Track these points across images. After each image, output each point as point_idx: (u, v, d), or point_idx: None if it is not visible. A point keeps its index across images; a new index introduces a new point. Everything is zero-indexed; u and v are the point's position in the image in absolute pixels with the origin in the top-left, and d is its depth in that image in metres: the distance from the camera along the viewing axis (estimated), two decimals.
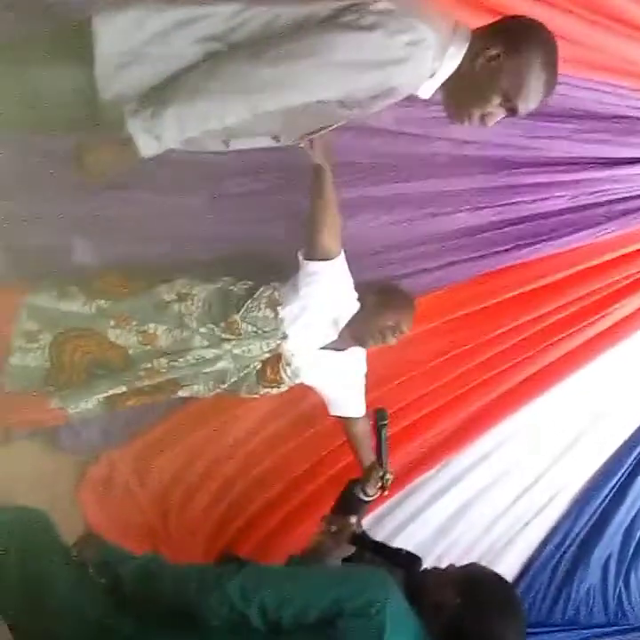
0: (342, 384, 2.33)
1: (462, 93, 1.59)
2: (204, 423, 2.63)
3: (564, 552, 3.12)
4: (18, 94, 1.48)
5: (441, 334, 2.57)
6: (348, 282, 2.20)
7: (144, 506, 2.72)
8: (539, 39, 1.56)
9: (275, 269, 2.18)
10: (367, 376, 2.37)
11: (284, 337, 2.14)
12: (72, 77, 1.47)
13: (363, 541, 2.06)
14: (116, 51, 1.44)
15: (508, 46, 1.53)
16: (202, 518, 2.77)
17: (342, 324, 2.20)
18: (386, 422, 2.22)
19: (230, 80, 1.43)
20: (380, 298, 2.23)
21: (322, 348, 2.24)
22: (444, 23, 1.53)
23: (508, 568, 3.03)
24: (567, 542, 3.10)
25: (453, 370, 2.62)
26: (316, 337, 2.21)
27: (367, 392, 2.37)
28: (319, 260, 2.10)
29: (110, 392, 2.06)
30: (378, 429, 2.22)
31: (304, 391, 2.38)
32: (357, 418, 2.36)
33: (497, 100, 1.57)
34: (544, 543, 3.10)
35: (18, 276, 2.18)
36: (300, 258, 2.12)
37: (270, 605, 1.38)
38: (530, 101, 1.58)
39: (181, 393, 2.17)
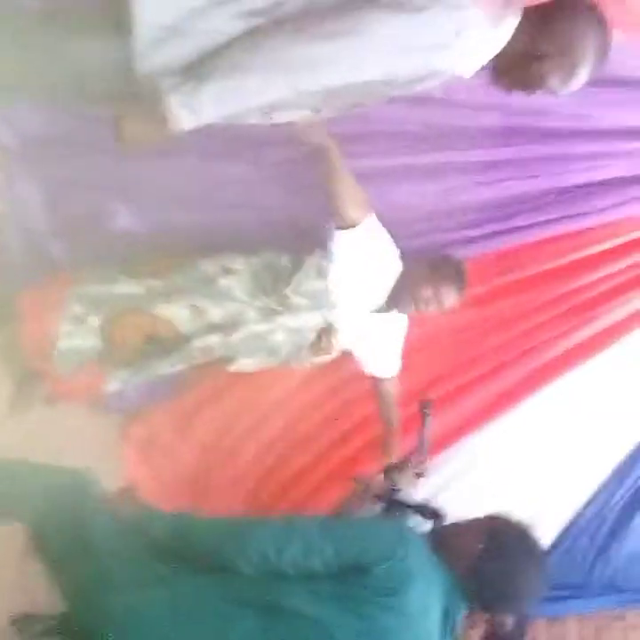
0: (379, 345, 2.36)
1: (513, 70, 1.56)
2: (247, 382, 2.63)
3: (605, 517, 3.14)
4: (56, 66, 1.48)
5: (482, 303, 2.55)
6: (385, 243, 2.21)
7: (185, 462, 2.79)
8: (590, 16, 1.52)
9: (313, 237, 2.20)
10: (406, 342, 2.41)
11: (334, 306, 2.18)
12: (109, 49, 1.45)
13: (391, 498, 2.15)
14: (155, 24, 1.39)
15: (559, 26, 1.49)
16: (243, 475, 2.84)
17: (389, 286, 2.23)
18: (429, 412, 2.26)
19: (271, 57, 1.39)
20: (427, 268, 2.23)
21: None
22: None
23: (548, 530, 3.05)
24: (608, 507, 3.11)
25: (493, 338, 2.63)
26: (364, 302, 2.25)
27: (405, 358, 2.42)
28: (349, 228, 2.13)
29: (166, 371, 2.11)
30: (422, 418, 2.26)
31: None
32: (389, 379, 2.40)
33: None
34: (585, 507, 3.11)
35: (67, 262, 2.23)
36: (333, 229, 2.15)
37: (300, 557, 1.47)
38: (581, 79, 1.56)
39: (230, 368, 2.20)
